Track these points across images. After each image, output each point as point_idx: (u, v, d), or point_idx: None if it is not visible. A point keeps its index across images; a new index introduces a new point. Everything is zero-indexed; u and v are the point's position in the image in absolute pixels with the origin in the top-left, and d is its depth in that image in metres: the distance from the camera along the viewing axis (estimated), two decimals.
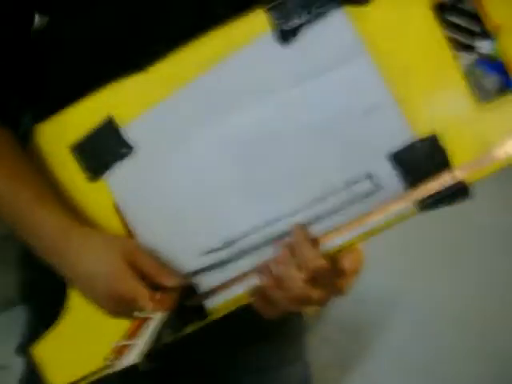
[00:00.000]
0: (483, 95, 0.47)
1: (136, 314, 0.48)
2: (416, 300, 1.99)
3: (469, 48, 0.49)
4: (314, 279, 0.47)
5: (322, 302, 0.50)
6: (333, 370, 1.64)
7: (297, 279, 0.47)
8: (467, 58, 0.48)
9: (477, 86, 0.47)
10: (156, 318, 0.48)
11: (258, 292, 0.50)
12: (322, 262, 0.47)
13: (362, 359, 1.74)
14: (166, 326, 0.48)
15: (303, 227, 0.49)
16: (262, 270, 0.50)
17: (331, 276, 0.49)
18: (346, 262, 0.48)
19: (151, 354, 0.45)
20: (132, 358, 0.44)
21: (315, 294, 0.48)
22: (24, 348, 0.63)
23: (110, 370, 0.45)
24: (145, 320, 0.48)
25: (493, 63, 0.48)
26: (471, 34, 0.49)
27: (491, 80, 0.48)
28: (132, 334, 0.47)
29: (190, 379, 0.71)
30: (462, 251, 2.21)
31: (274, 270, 0.48)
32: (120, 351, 0.46)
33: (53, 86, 0.57)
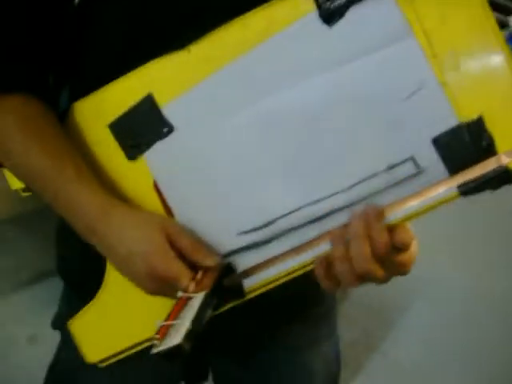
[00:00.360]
0: None
1: (179, 294, 0.49)
2: (440, 282, 2.00)
3: (503, 25, 0.48)
4: (382, 256, 0.47)
5: (384, 280, 0.50)
6: (356, 348, 1.68)
7: (367, 254, 0.47)
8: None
9: None
10: (198, 298, 0.48)
11: (324, 262, 0.50)
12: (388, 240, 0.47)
13: (385, 339, 1.77)
14: (206, 305, 0.48)
15: (375, 207, 0.49)
16: (335, 238, 0.49)
17: (396, 254, 0.49)
18: (399, 238, 0.47)
19: (194, 334, 0.45)
20: (177, 338, 0.44)
21: (380, 271, 0.48)
22: (60, 322, 0.64)
23: (155, 351, 0.45)
24: (186, 300, 0.49)
25: None
26: (507, 11, 0.48)
27: None
28: (175, 315, 0.47)
29: (225, 357, 0.73)
30: (488, 236, 2.22)
31: (348, 242, 0.48)
32: (165, 331, 0.46)
33: (91, 63, 0.57)
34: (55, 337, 0.78)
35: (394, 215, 0.49)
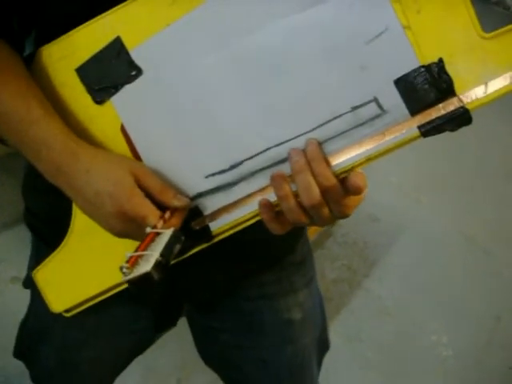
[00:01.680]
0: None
1: (148, 229, 0.49)
2: (423, 222, 2.09)
3: None
4: (325, 196, 0.49)
5: (329, 221, 0.51)
6: (339, 285, 1.72)
7: (313, 187, 0.48)
8: None
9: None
10: (166, 233, 0.48)
11: (268, 206, 0.51)
12: (334, 181, 0.49)
13: (369, 277, 1.83)
14: (175, 240, 0.48)
15: (318, 144, 0.50)
16: (276, 178, 0.50)
17: (340, 195, 0.50)
18: (353, 182, 0.49)
19: (163, 265, 0.46)
20: (146, 266, 0.45)
21: (325, 209, 0.49)
22: (30, 280, 0.63)
23: (125, 279, 0.45)
24: (155, 236, 0.49)
25: None
26: None
27: None
28: (144, 247, 0.48)
29: (199, 306, 0.73)
30: (471, 178, 2.32)
31: (292, 178, 0.49)
32: (134, 261, 0.46)
33: (57, 7, 0.56)
34: None
35: (356, 156, 0.50)
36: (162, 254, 0.46)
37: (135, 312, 0.69)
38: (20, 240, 1.57)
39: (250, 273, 0.69)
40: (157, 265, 0.45)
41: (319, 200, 0.48)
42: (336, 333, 1.58)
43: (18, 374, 1.30)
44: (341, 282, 1.73)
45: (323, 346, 0.81)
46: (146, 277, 0.44)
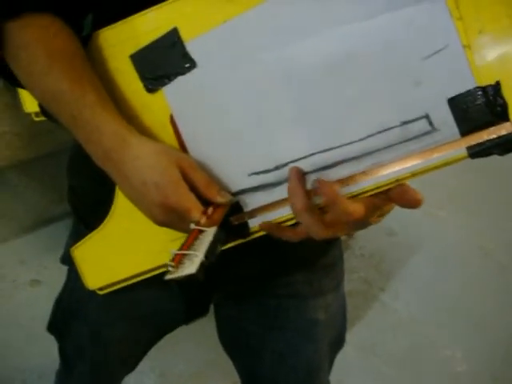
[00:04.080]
0: None
1: (192, 226, 0.50)
2: (440, 237, 2.08)
3: None
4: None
5: (346, 234, 0.52)
6: (355, 298, 1.75)
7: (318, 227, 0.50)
8: None
9: None
10: (210, 232, 0.49)
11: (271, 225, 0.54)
12: (358, 214, 0.49)
13: (385, 290, 1.84)
14: (218, 240, 0.49)
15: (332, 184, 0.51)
16: (294, 191, 0.52)
17: (363, 220, 0.51)
18: (412, 197, 0.50)
19: (206, 266, 0.47)
20: (192, 268, 0.46)
21: (339, 232, 0.51)
22: (68, 257, 0.65)
23: (170, 277, 0.47)
24: (198, 233, 0.50)
25: None
26: None
27: None
28: (188, 245, 0.49)
29: (227, 299, 0.75)
30: (489, 192, 2.32)
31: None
32: (179, 260, 0.48)
33: None
34: (58, 280, 0.80)
35: (402, 170, 0.50)
36: (206, 255, 0.47)
37: (166, 296, 0.71)
38: (40, 244, 1.61)
39: (282, 271, 0.69)
40: (201, 266, 0.46)
41: (331, 232, 0.50)
42: (350, 345, 1.55)
43: (36, 377, 1.36)
44: (356, 295, 1.75)
45: (339, 344, 0.83)
46: (190, 277, 0.46)
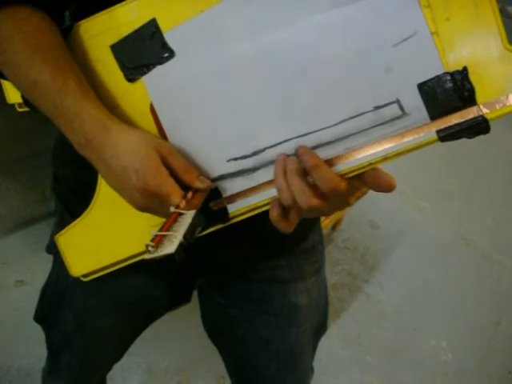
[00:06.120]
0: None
1: (171, 209, 0.51)
2: (423, 229, 2.12)
3: None
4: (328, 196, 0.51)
5: (328, 214, 0.54)
6: (340, 290, 1.77)
7: (308, 194, 0.51)
8: None
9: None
10: (189, 215, 0.51)
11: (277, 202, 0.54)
12: (342, 184, 0.51)
13: (369, 282, 1.86)
14: (197, 222, 0.51)
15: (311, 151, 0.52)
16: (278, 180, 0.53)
17: (346, 195, 0.52)
18: (386, 182, 0.51)
19: (185, 246, 0.48)
20: (171, 248, 0.47)
21: (324, 206, 0.52)
22: (53, 247, 0.66)
23: (149, 256, 0.48)
24: (177, 216, 0.51)
25: None
26: None
27: None
28: (167, 227, 0.50)
29: (211, 285, 0.76)
30: (473, 185, 2.36)
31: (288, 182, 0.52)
32: (159, 240, 0.49)
33: None
34: (42, 280, 0.81)
35: (374, 154, 0.52)
36: (184, 236, 0.48)
37: (150, 282, 0.72)
38: (24, 244, 1.61)
39: (263, 256, 0.71)
40: (180, 246, 0.48)
41: (318, 202, 0.51)
42: (336, 336, 1.60)
43: (23, 375, 1.37)
44: (341, 287, 1.77)
45: (321, 329, 0.84)
46: (169, 257, 0.47)
